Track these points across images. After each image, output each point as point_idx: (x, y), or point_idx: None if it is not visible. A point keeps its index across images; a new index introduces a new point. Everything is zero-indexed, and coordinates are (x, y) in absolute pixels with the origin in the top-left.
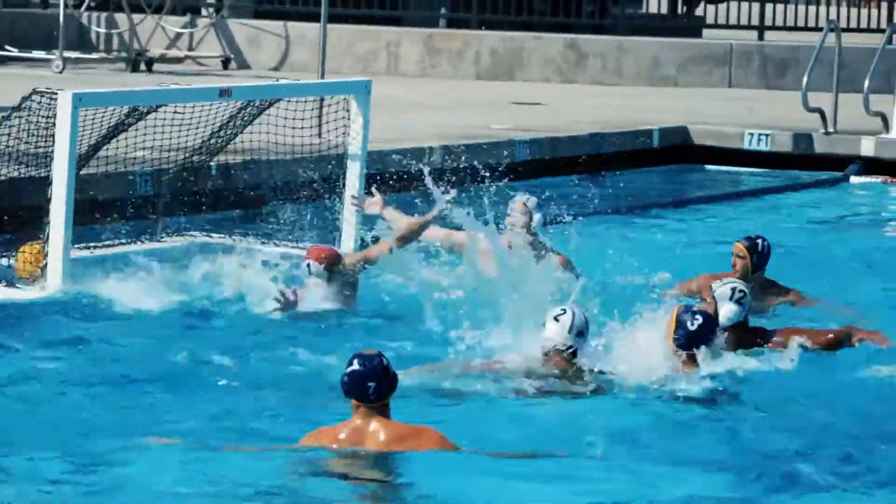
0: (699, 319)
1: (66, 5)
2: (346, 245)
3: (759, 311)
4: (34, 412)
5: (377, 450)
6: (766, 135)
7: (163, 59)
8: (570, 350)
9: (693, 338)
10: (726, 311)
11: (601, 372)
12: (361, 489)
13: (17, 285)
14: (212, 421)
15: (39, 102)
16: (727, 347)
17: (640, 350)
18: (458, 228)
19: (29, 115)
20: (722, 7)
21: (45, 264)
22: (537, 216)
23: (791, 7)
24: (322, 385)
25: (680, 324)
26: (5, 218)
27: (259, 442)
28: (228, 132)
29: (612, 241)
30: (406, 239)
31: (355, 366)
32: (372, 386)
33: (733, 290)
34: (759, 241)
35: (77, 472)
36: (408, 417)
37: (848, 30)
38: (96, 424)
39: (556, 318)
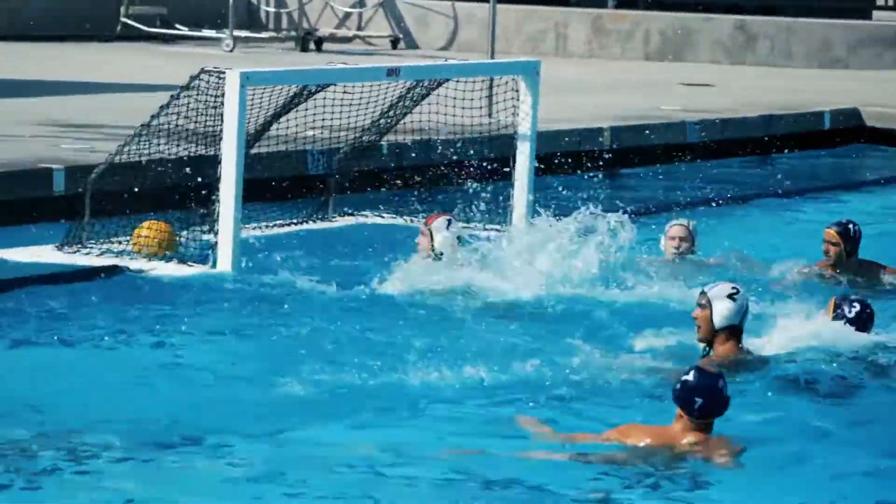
0: (857, 307)
1: None
2: (517, 224)
3: (866, 289)
4: (213, 389)
5: (677, 453)
6: None
7: (332, 38)
8: (738, 331)
9: (850, 325)
10: None
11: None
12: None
13: (188, 263)
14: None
15: (208, 82)
16: None
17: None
18: None
19: (198, 95)
20: None
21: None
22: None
23: None
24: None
25: (837, 311)
26: (176, 196)
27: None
28: (398, 112)
29: (781, 224)
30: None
31: (690, 377)
32: (699, 402)
33: None
34: (851, 225)
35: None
36: None
37: None
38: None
39: (731, 297)
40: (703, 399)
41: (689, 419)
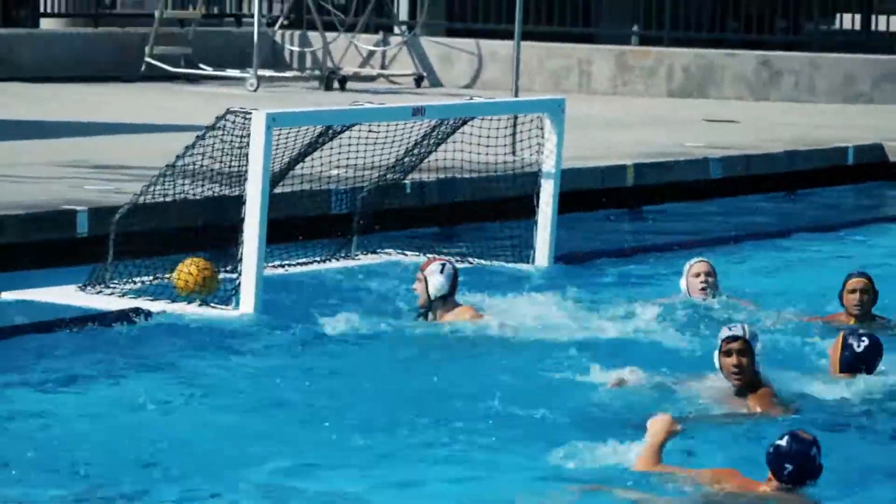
0: (865, 342)
1: (259, 24)
2: (540, 262)
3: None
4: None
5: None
6: None
7: (356, 77)
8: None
9: (859, 359)
10: None
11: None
12: None
13: (211, 304)
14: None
15: (234, 122)
16: None
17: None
18: None
19: (223, 135)
20: None
21: (200, 281)
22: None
23: None
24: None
25: (846, 346)
26: (201, 237)
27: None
28: (422, 150)
29: (806, 260)
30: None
31: (783, 442)
32: (788, 468)
33: None
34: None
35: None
36: None
37: None
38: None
39: (757, 337)
40: (793, 466)
41: (777, 483)
